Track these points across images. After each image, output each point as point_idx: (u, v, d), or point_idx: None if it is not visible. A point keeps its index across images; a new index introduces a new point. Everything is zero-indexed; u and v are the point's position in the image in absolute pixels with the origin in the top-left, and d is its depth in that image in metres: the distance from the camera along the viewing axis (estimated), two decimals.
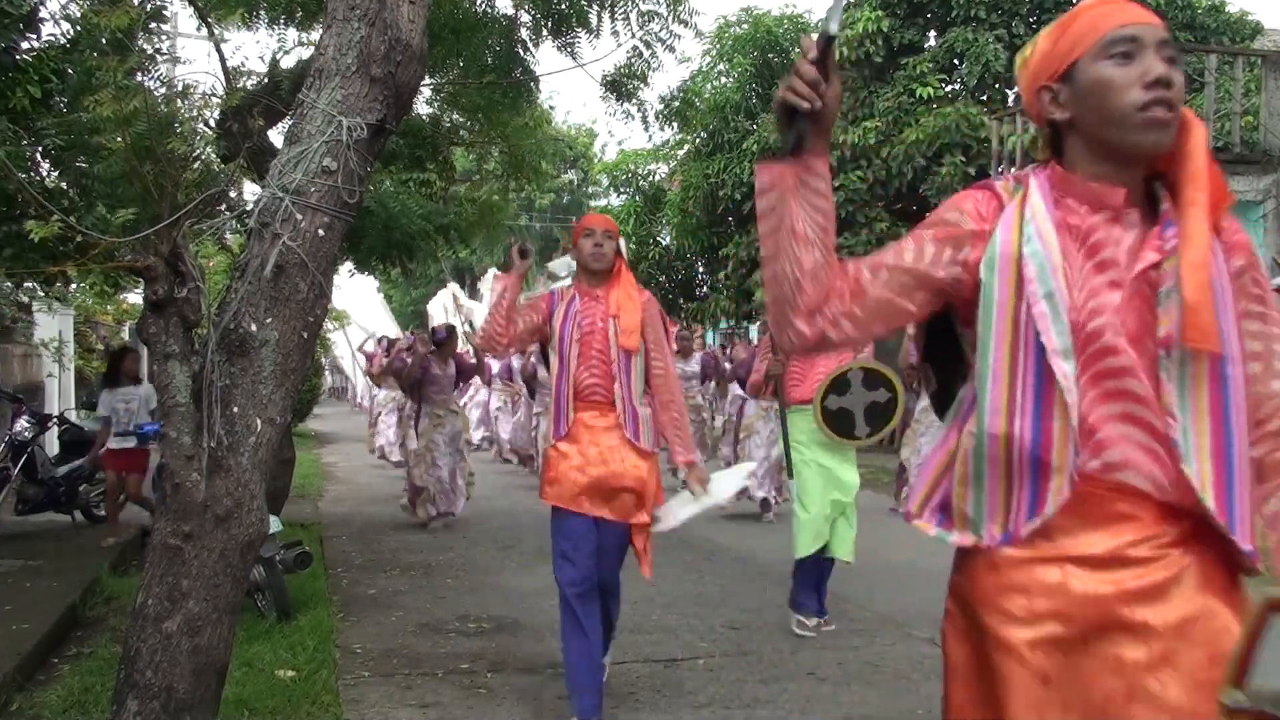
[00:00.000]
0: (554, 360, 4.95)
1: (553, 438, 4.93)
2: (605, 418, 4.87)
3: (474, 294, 32.14)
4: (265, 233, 3.65)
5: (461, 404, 13.79)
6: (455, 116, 8.79)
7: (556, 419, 4.92)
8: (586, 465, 4.83)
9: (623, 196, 23.06)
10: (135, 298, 13.32)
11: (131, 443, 8.79)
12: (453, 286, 33.62)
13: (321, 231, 3.70)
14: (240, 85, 5.94)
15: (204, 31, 7.50)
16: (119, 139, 3.69)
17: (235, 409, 3.59)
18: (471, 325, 27.90)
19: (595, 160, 37.96)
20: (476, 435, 17.31)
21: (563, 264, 38.85)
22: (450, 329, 11.64)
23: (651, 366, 4.98)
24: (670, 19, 7.95)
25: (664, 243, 21.90)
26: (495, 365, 15.87)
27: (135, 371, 9.61)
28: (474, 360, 12.34)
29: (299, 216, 3.66)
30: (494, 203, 9.01)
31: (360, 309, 25.37)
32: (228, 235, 7.23)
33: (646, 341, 4.95)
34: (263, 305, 3.62)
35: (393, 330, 22.59)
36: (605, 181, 24.97)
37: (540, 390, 13.91)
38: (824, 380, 6.48)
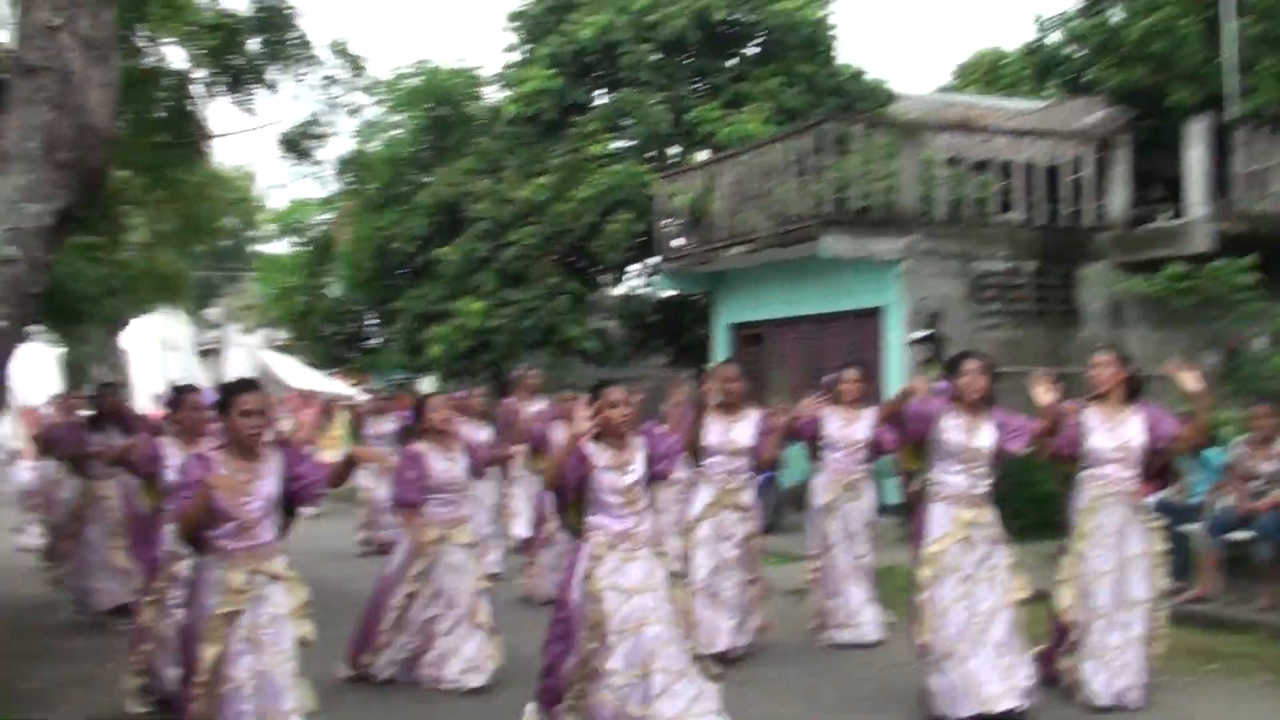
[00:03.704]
0: None
1: None
2: None
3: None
4: None
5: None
6: (123, 174, 8.35)
7: None
8: None
9: (295, 246, 22.47)
10: None
11: None
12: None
13: (5, 324, 3.48)
14: None
15: None
16: None
17: None
18: None
19: (257, 203, 36.62)
20: None
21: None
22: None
23: None
24: (350, 84, 7.97)
25: (334, 294, 21.45)
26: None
27: None
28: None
29: None
30: (175, 273, 8.61)
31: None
32: None
33: None
34: None
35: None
36: (274, 229, 24.25)
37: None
38: None
